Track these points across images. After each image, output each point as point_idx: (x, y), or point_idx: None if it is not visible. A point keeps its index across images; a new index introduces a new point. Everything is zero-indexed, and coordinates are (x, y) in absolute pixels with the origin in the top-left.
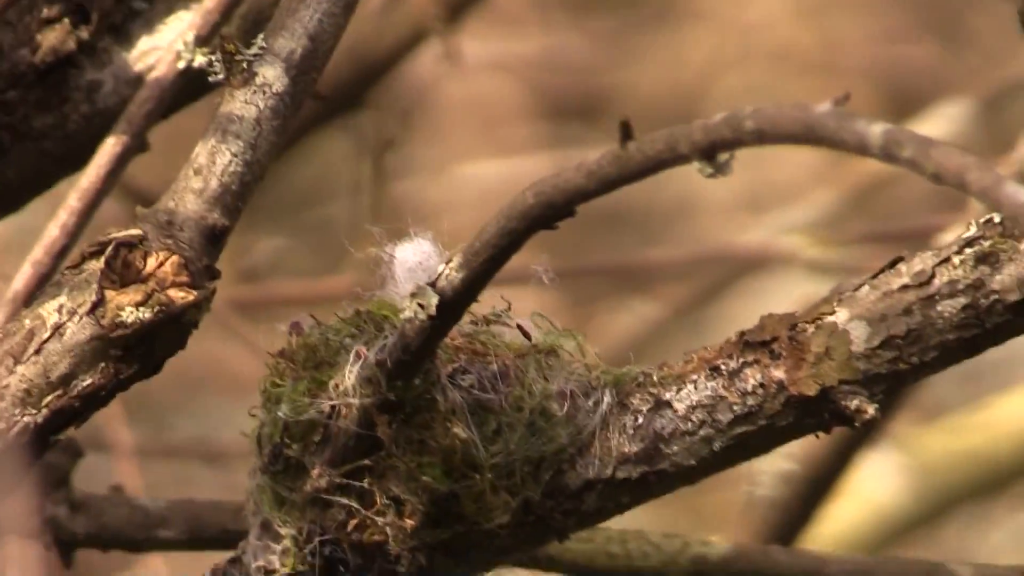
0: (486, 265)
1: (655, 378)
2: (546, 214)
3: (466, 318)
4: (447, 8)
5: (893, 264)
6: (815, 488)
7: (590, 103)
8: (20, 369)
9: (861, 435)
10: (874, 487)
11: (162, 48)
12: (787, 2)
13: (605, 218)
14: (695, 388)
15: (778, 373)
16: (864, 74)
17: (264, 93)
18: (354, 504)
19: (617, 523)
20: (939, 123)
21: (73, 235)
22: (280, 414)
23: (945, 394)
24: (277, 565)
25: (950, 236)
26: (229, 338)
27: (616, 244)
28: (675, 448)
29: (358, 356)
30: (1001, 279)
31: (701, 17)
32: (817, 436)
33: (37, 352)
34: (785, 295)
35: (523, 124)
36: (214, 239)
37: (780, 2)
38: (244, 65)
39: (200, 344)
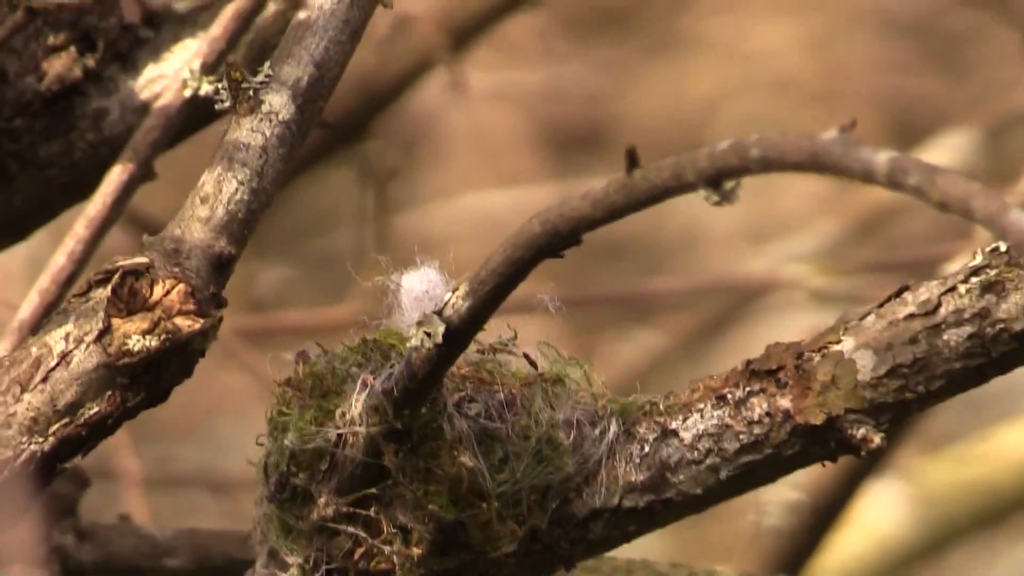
0: (492, 293)
1: (661, 407)
2: (552, 243)
3: (472, 347)
4: (452, 38)
5: (899, 293)
6: (822, 518)
7: (594, 132)
8: (27, 397)
9: (867, 465)
10: (879, 517)
11: (168, 76)
12: (790, 31)
13: (610, 247)
14: (701, 417)
15: (784, 402)
16: (867, 103)
17: (271, 121)
18: (361, 532)
19: (625, 552)
20: (943, 153)
21: (80, 263)
22: (287, 443)
23: (950, 425)
24: None
25: (956, 265)
26: (235, 367)
27: (621, 273)
28: (681, 477)
29: (364, 385)
30: (1007, 308)
31: (704, 46)
32: (824, 465)
33: (44, 380)
34: (790, 325)
35: (527, 153)
36: (221, 267)
37: (783, 31)
38: (250, 93)
39: (207, 373)
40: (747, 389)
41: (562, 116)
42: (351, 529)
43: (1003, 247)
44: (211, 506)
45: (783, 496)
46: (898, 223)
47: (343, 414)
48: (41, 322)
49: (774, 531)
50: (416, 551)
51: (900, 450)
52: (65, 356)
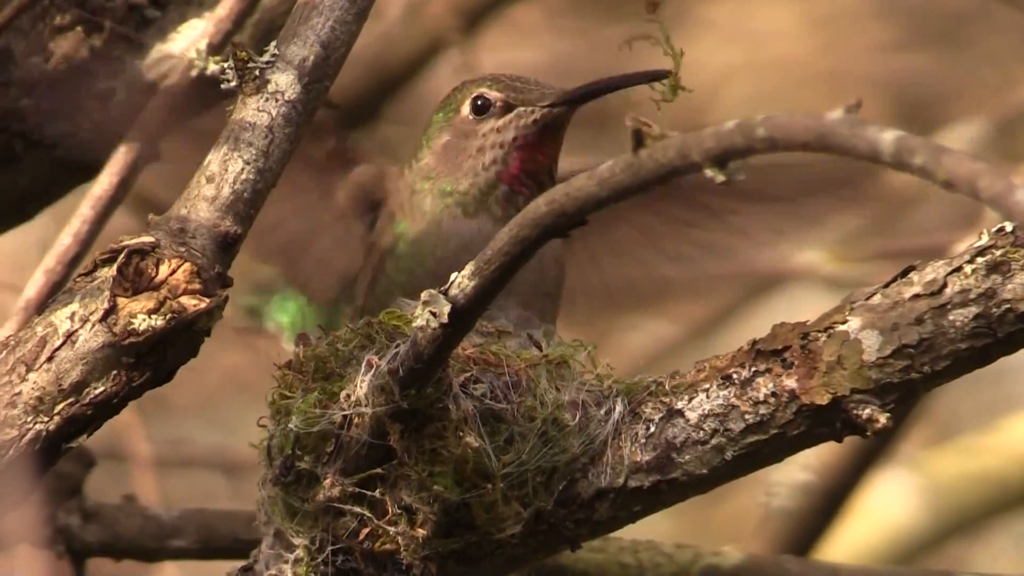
0: (498, 273)
1: (667, 387)
2: (558, 222)
3: (477, 328)
4: (464, 20)
5: (905, 273)
6: (831, 500)
7: (599, 111)
8: (32, 377)
9: (876, 447)
10: (887, 507)
11: (175, 56)
12: (795, 11)
13: None
14: (707, 397)
15: (790, 382)
16: (870, 83)
17: (276, 100)
18: (366, 513)
19: (631, 532)
20: (950, 135)
21: (86, 243)
22: (291, 426)
23: (958, 415)
24: (290, 574)
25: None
26: (248, 348)
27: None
28: (687, 457)
29: (370, 365)
30: (1013, 288)
31: (709, 26)
32: (839, 441)
33: (49, 360)
34: (803, 313)
35: None
36: (226, 246)
37: (788, 11)
38: (256, 72)
39: (220, 354)
40: (753, 369)
41: None
42: (356, 510)
43: (1009, 227)
44: (223, 487)
45: (792, 477)
46: (911, 213)
47: (348, 396)
48: (47, 302)
49: (782, 512)
50: (421, 532)
51: (909, 440)
52: (71, 336)
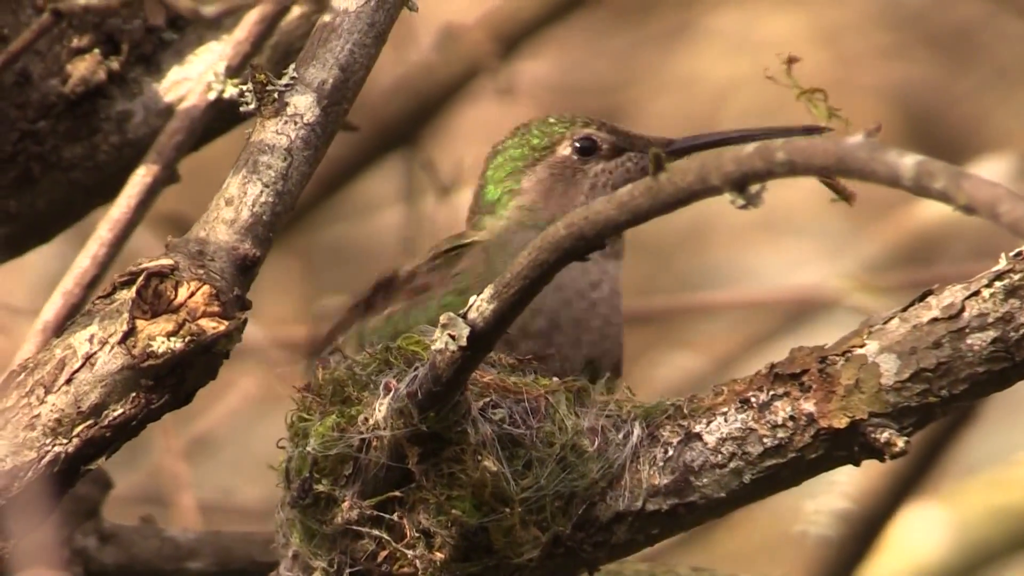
0: (517, 296)
1: (685, 410)
2: (577, 246)
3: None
4: (501, 45)
5: (923, 297)
6: (867, 528)
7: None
8: (51, 399)
9: (912, 478)
10: (916, 541)
11: (193, 79)
12: (800, 21)
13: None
14: (725, 420)
15: (808, 406)
16: (876, 93)
17: (295, 123)
18: (384, 536)
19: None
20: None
21: (103, 265)
22: (309, 449)
23: (986, 449)
24: None
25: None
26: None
27: (633, 270)
28: (705, 480)
29: (388, 388)
30: None
31: (715, 36)
32: (856, 465)
33: (68, 382)
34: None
35: None
36: (245, 269)
37: (793, 21)
38: (275, 95)
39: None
40: (771, 392)
41: (575, 107)
42: (375, 532)
43: None
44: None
45: (827, 505)
46: (938, 242)
47: (366, 419)
48: (65, 324)
49: (816, 541)
50: (439, 556)
51: (940, 474)
52: (89, 358)
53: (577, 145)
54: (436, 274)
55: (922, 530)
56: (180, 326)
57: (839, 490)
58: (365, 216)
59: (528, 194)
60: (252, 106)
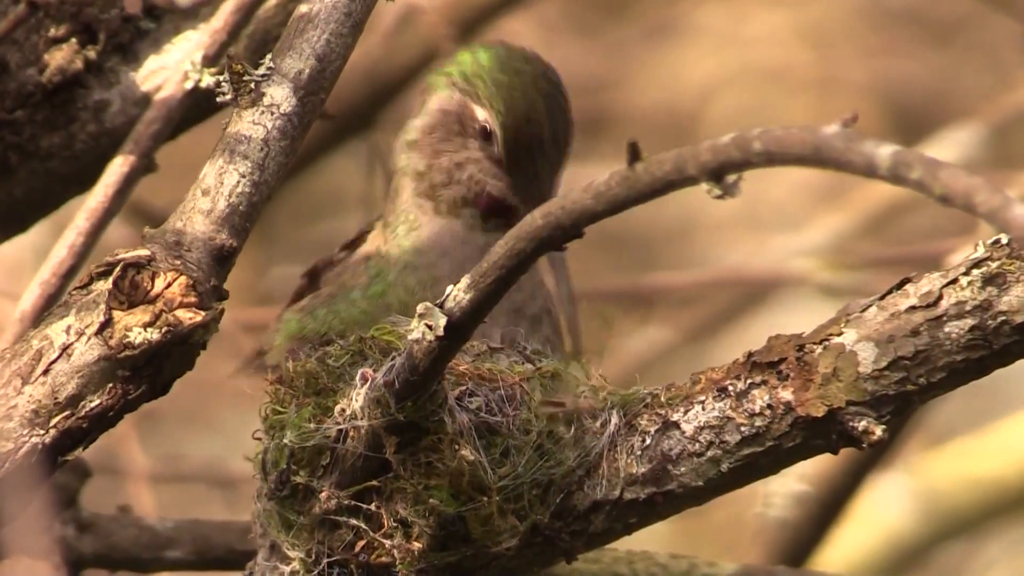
0: (494, 286)
1: (663, 399)
2: (554, 235)
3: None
4: (458, 29)
5: (901, 285)
6: (827, 510)
7: (592, 119)
8: (28, 390)
9: (872, 457)
10: (883, 512)
11: (170, 68)
12: (786, 19)
13: (613, 242)
14: (703, 409)
15: (786, 394)
16: (862, 90)
17: (272, 113)
18: (362, 526)
19: (626, 542)
20: (944, 144)
21: (81, 255)
22: (285, 441)
23: (954, 419)
24: None
25: (960, 258)
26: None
27: (621, 265)
28: (683, 469)
29: (365, 378)
30: (1008, 300)
31: (700, 34)
32: (835, 453)
33: (45, 373)
34: (796, 319)
35: None
36: (222, 260)
37: (778, 19)
38: (252, 85)
39: (214, 366)
40: (749, 381)
41: None
42: (352, 522)
43: (1004, 239)
44: (217, 500)
45: (788, 488)
46: (904, 219)
47: (343, 410)
48: (42, 314)
49: (779, 523)
50: (417, 545)
51: (905, 444)
52: (66, 349)
53: (481, 129)
54: (348, 263)
55: (890, 501)
56: (157, 317)
57: (799, 471)
58: (326, 201)
59: (421, 121)
60: (229, 96)
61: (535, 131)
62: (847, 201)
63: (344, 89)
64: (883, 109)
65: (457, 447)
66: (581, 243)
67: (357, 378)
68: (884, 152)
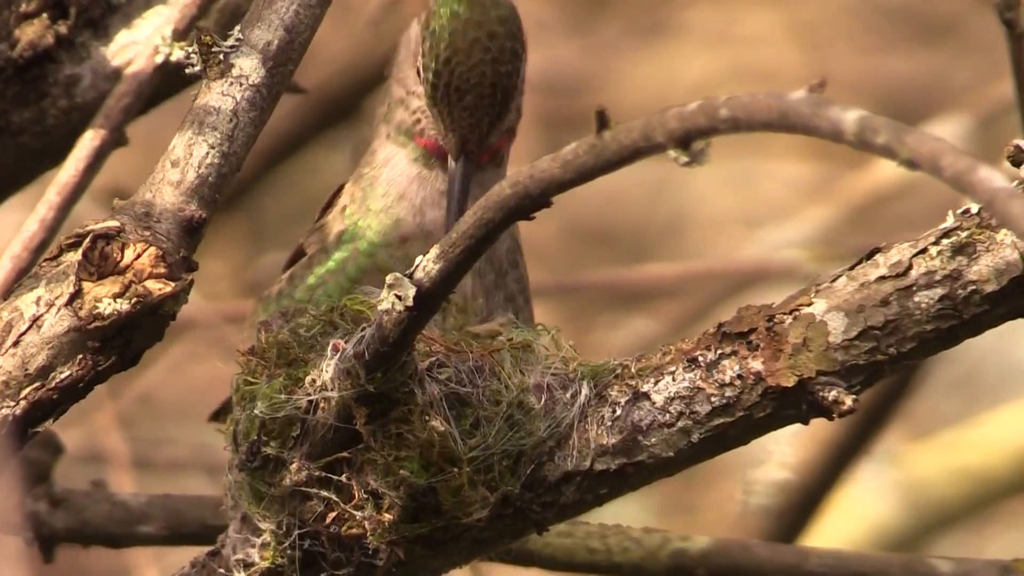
0: (463, 256)
1: (633, 370)
2: (523, 204)
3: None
4: None
5: (871, 255)
6: (809, 498)
7: (583, 117)
8: None
9: (856, 445)
10: (868, 503)
11: (140, 42)
12: (778, 17)
13: (601, 234)
14: (673, 380)
15: (756, 364)
16: (854, 89)
17: (241, 85)
18: (333, 497)
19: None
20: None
21: (51, 229)
22: (256, 412)
23: (939, 410)
24: (256, 558)
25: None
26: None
27: (612, 260)
28: (653, 440)
29: (335, 349)
30: (978, 269)
31: (692, 33)
32: (805, 423)
33: (15, 344)
34: None
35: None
36: (192, 231)
37: (771, 17)
38: (220, 57)
39: (200, 356)
40: (719, 351)
41: (551, 101)
42: (323, 494)
43: (974, 209)
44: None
45: (770, 475)
46: (890, 210)
47: (313, 381)
48: (13, 287)
49: (761, 510)
50: (387, 516)
51: (890, 436)
52: (36, 320)
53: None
54: (325, 220)
55: (874, 491)
56: (126, 288)
57: (781, 458)
58: (313, 194)
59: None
60: (198, 68)
61: (458, 81)
62: (834, 193)
63: (327, 78)
64: (874, 108)
65: (427, 418)
66: (574, 237)
67: (328, 349)
68: (850, 117)
